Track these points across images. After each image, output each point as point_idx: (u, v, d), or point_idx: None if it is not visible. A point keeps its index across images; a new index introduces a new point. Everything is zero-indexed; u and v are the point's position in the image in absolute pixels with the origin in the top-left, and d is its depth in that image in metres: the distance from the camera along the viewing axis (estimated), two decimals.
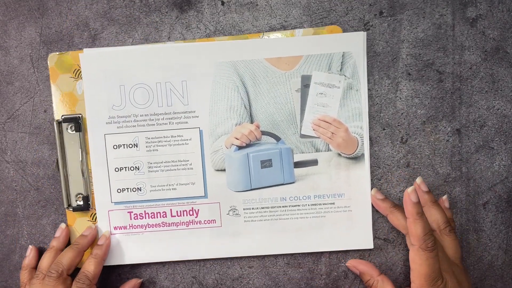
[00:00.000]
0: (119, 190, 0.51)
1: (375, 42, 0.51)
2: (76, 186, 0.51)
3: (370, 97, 0.51)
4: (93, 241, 0.51)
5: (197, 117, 0.51)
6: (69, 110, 0.51)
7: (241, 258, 0.53)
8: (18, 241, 0.53)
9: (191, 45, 0.50)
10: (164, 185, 0.51)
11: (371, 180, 0.52)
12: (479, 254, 0.52)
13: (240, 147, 0.51)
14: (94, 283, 0.48)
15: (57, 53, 0.51)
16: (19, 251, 0.53)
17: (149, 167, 0.51)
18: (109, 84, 0.50)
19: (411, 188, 0.46)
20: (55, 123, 0.50)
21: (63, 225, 0.51)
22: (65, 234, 0.51)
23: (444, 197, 0.50)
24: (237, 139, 0.51)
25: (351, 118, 0.51)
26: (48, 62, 0.51)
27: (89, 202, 0.51)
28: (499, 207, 0.52)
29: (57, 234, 0.51)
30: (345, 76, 0.50)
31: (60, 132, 0.51)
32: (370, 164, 0.51)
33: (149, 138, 0.51)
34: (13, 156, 0.52)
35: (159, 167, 0.51)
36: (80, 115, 0.51)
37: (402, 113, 0.51)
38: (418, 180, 0.49)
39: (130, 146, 0.51)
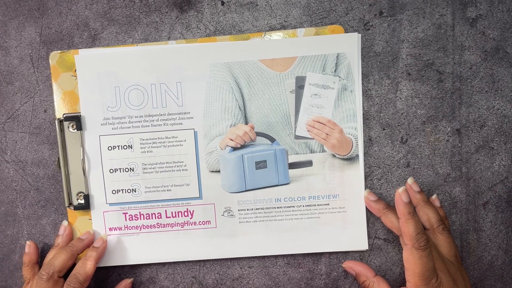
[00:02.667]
0: (114, 191, 0.51)
1: (375, 42, 0.51)
2: (77, 185, 0.51)
3: (370, 97, 0.51)
4: (89, 246, 0.51)
5: (192, 118, 0.51)
6: (70, 108, 0.51)
7: (241, 258, 0.53)
8: (18, 241, 0.53)
9: (185, 46, 0.50)
10: (158, 186, 0.51)
11: (371, 180, 0.52)
12: (479, 254, 0.52)
13: (234, 148, 0.51)
14: (85, 286, 0.47)
15: (59, 51, 0.51)
16: (19, 251, 0.53)
17: (144, 168, 0.51)
18: (104, 86, 0.50)
19: (402, 188, 0.46)
20: (56, 122, 0.50)
21: (65, 223, 0.51)
22: (69, 231, 0.51)
23: (434, 196, 0.51)
24: (232, 140, 0.51)
25: (346, 119, 0.51)
26: (50, 60, 0.51)
27: (90, 201, 0.51)
28: (499, 207, 0.52)
29: (61, 231, 0.51)
30: (339, 77, 0.50)
31: (62, 131, 0.51)
32: (370, 164, 0.51)
33: (143, 140, 0.51)
34: (13, 156, 0.52)
35: (153, 168, 0.51)
36: (81, 114, 0.51)
37: (402, 113, 0.51)
38: (410, 180, 0.50)
39: (125, 147, 0.51)
